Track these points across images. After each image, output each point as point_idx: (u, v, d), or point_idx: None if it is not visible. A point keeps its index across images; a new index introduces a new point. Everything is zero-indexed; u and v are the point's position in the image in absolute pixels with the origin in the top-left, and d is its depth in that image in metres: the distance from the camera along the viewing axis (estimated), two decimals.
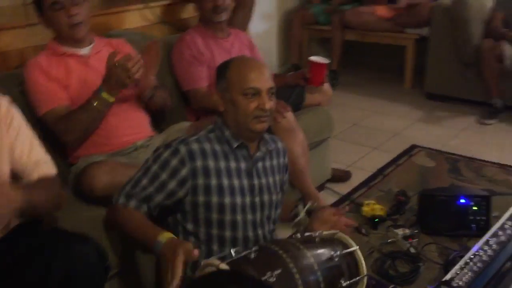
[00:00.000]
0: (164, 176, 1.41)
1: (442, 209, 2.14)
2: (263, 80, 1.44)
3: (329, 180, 2.59)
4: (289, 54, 4.45)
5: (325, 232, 1.43)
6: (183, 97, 2.32)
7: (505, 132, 3.24)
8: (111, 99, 1.75)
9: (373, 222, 2.21)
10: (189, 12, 2.88)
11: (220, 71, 1.51)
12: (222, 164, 1.44)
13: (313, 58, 2.30)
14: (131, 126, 1.92)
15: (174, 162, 1.41)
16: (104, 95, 1.73)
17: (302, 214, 1.66)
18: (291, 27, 4.36)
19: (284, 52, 4.49)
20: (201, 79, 2.23)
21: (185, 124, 2.06)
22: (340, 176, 2.65)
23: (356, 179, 2.65)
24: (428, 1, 3.80)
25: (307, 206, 1.67)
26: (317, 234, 1.42)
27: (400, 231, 2.09)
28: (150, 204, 1.42)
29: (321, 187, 2.50)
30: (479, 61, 3.39)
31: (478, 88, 3.49)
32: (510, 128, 3.29)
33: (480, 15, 3.45)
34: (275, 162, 1.58)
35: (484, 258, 1.73)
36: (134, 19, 2.60)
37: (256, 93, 1.42)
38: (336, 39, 4.20)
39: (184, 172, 1.40)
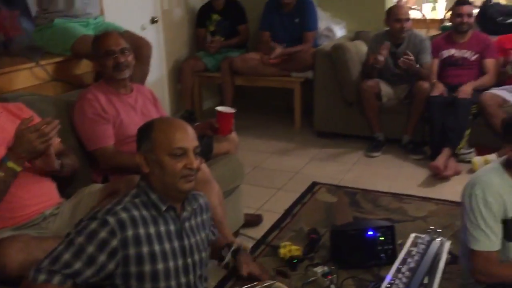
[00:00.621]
0: (91, 249, 1.33)
1: (353, 243, 2.27)
2: (189, 139, 1.45)
3: (242, 226, 2.62)
4: (181, 101, 4.49)
5: (263, 285, 1.45)
6: (87, 158, 2.22)
7: (389, 162, 3.55)
8: (18, 168, 1.62)
9: (292, 264, 2.27)
10: (83, 68, 2.80)
11: (143, 132, 1.49)
12: (152, 229, 1.41)
13: (220, 108, 2.36)
14: (37, 195, 1.80)
15: (103, 233, 1.34)
16: (10, 164, 1.60)
17: (228, 257, 1.77)
18: (181, 75, 4.41)
19: (176, 100, 4.52)
20: (107, 137, 2.17)
21: (95, 187, 1.97)
22: (253, 221, 2.69)
23: (268, 222, 2.72)
24: (309, 47, 4.10)
25: (232, 248, 1.80)
26: None
27: (319, 269, 2.17)
28: (77, 280, 1.33)
29: (236, 234, 2.52)
30: (360, 100, 3.71)
31: (362, 124, 3.81)
32: (393, 158, 3.60)
33: (358, 58, 3.80)
34: (200, 219, 1.58)
35: (400, 286, 1.87)
36: (25, 78, 2.46)
37: (183, 153, 1.42)
38: (226, 85, 4.33)
39: (114, 243, 1.34)
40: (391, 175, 3.33)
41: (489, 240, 1.65)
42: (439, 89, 3.49)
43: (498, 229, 1.65)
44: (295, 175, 3.37)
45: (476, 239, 1.67)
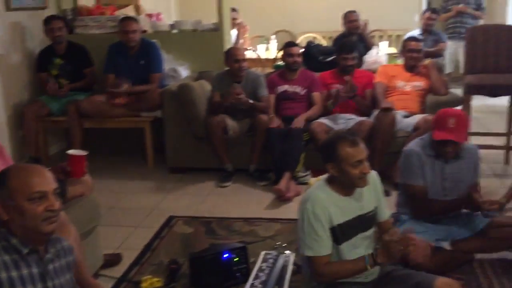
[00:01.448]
0: None
1: (211, 267, 2.44)
2: (47, 182, 1.50)
3: (102, 267, 2.63)
4: (24, 148, 4.30)
5: None
6: None
7: (239, 190, 3.83)
8: None
9: None
10: None
11: None
12: (14, 273, 1.43)
13: (71, 151, 2.39)
14: None
15: None
16: None
17: None
18: (23, 121, 4.24)
19: (18, 147, 4.31)
20: None
21: None
22: (112, 260, 2.71)
23: (128, 259, 2.76)
24: (156, 88, 4.26)
25: None
26: None
27: None
28: None
29: (95, 276, 2.52)
30: (208, 135, 3.96)
31: (212, 157, 4.06)
32: (242, 186, 3.89)
33: (203, 95, 4.07)
34: (64, 261, 1.62)
35: None
36: None
37: (43, 196, 1.47)
38: (74, 128, 4.27)
39: None
40: (242, 202, 3.60)
41: (319, 246, 1.95)
42: (276, 122, 3.91)
43: (326, 236, 1.96)
44: (152, 212, 3.46)
45: (309, 246, 1.96)
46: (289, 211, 3.38)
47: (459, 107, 3.87)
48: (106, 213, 3.37)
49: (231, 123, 3.98)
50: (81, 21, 4.76)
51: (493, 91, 3.81)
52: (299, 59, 4.17)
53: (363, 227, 2.05)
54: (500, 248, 2.57)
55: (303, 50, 4.76)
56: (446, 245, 2.51)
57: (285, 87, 4.15)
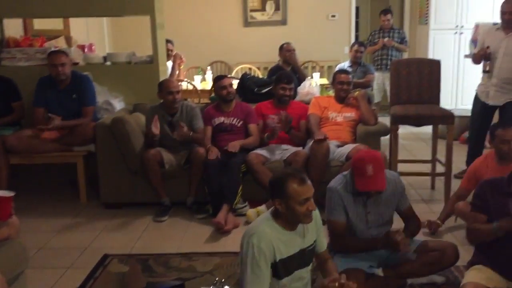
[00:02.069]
0: None
1: None
2: None
3: None
4: None
5: None
6: None
7: (177, 225, 3.76)
8: None
9: None
10: None
11: None
12: None
13: None
14: None
15: None
16: None
17: None
18: None
19: None
20: None
21: None
22: None
23: None
24: (89, 121, 4.15)
25: None
26: None
27: None
28: None
29: None
30: (144, 169, 3.89)
31: (148, 191, 3.98)
32: (180, 220, 3.83)
33: (139, 128, 4.01)
34: None
35: None
36: None
37: None
38: None
39: None
40: (180, 236, 3.54)
41: (259, 282, 1.95)
42: (214, 153, 3.91)
43: (267, 272, 1.97)
44: (85, 251, 3.32)
45: (249, 281, 1.96)
46: (228, 243, 3.37)
47: (387, 136, 4.07)
48: (35, 255, 3.22)
49: (167, 156, 3.94)
50: (8, 53, 4.59)
51: (417, 121, 4.03)
52: (232, 89, 4.21)
53: (304, 261, 2.08)
54: (429, 272, 2.68)
55: (238, 81, 4.84)
56: (378, 271, 2.59)
57: (222, 119, 4.17)
